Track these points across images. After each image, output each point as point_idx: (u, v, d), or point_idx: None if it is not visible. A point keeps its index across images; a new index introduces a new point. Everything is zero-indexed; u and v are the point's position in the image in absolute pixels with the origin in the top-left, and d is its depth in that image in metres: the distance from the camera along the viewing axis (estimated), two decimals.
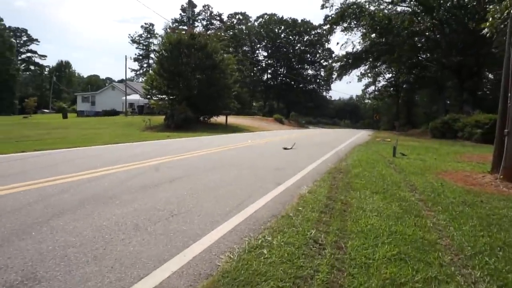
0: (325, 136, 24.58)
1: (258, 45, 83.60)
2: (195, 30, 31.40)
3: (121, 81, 62.49)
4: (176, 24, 72.74)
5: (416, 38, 34.90)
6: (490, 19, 8.04)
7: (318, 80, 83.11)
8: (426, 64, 34.47)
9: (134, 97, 47.45)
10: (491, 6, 8.08)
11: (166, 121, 25.18)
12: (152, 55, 25.18)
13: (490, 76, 40.01)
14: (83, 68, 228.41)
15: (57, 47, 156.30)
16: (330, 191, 5.99)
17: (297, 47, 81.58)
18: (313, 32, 78.91)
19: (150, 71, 33.15)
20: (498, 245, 4.23)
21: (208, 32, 71.44)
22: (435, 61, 31.24)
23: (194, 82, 27.67)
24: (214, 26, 75.87)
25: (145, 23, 29.98)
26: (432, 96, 50.11)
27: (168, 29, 26.68)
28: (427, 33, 34.24)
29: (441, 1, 30.12)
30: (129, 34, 29.46)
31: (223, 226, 3.92)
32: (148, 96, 28.63)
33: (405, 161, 10.50)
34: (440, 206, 5.78)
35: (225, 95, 28.89)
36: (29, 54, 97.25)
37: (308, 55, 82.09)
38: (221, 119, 33.55)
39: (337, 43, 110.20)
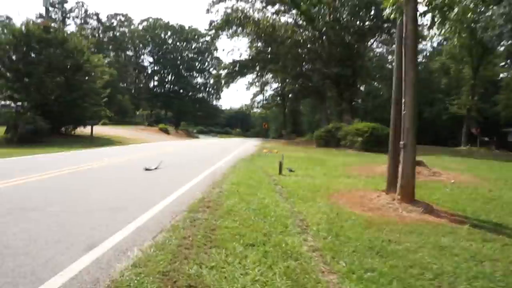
0: (209, 148, 22.39)
1: (143, 50, 78.02)
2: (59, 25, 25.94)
3: None
4: (42, 19, 62.39)
5: (299, 50, 35.60)
6: None
7: (207, 89, 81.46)
8: (309, 74, 35.36)
9: None
10: None
11: (7, 133, 19.75)
12: None
13: (361, 88, 43.55)
14: None
15: None
16: (175, 257, 3.53)
17: (185, 54, 78.57)
18: (202, 40, 77.07)
19: None
20: None
21: (82, 32, 63.64)
22: (317, 71, 32.07)
23: (50, 85, 22.53)
24: (90, 26, 67.76)
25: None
26: (314, 105, 52.60)
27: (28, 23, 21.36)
28: (308, 45, 35.19)
29: (320, 15, 31.13)
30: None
31: None
32: None
33: (293, 179, 8.78)
34: (342, 260, 3.86)
35: (92, 101, 24.34)
36: None
37: (197, 63, 79.81)
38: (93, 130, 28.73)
39: (223, 50, 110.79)
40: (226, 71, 40.22)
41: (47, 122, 21.07)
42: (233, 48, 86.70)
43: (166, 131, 44.52)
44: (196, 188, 7.17)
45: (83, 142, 21.55)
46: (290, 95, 52.88)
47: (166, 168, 9.82)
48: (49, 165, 10.32)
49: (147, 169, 9.27)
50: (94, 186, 7.08)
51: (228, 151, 18.51)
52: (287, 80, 45.50)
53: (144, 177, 8.21)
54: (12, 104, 22.84)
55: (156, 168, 9.56)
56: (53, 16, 57.83)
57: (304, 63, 38.31)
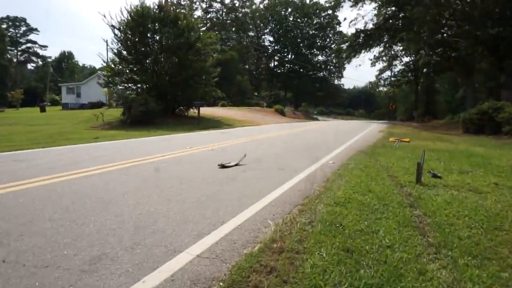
0: (322, 133, 19.26)
1: (264, 30, 77.57)
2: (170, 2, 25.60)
3: None
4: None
5: (441, 11, 28.79)
6: None
7: (329, 67, 76.81)
8: (453, 41, 28.37)
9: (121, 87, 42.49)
10: None
11: (124, 115, 20.28)
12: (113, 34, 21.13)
13: None
14: (92, 59, 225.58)
15: (63, 36, 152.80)
16: None
17: (305, 31, 75.18)
18: (323, 14, 72.43)
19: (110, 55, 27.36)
20: None
21: (208, 16, 66.15)
22: (466, 35, 25.12)
23: (165, 66, 22.51)
24: (214, 9, 69.93)
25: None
26: (456, 81, 43.79)
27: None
28: (453, 5, 28.23)
29: None
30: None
31: None
32: (110, 85, 23.65)
33: (442, 195, 5.16)
34: None
35: (202, 81, 23.65)
36: (29, 45, 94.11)
37: (318, 40, 75.68)
38: (208, 110, 28.58)
39: (344, 19, 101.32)
40: (348, 43, 35.65)
41: (160, 103, 21.06)
42: (356, 17, 79.00)
43: (282, 112, 42.70)
44: (273, 209, 4.41)
45: (191, 124, 20.93)
46: (424, 70, 45.19)
47: (249, 165, 7.32)
48: (122, 154, 8.97)
49: (223, 166, 6.93)
50: (125, 193, 4.96)
51: (344, 138, 15.16)
52: (422, 51, 38.39)
53: (209, 181, 5.81)
54: (133, 87, 23.64)
55: (236, 165, 7.15)
56: (182, 3, 61.03)
57: (446, 29, 31.18)
